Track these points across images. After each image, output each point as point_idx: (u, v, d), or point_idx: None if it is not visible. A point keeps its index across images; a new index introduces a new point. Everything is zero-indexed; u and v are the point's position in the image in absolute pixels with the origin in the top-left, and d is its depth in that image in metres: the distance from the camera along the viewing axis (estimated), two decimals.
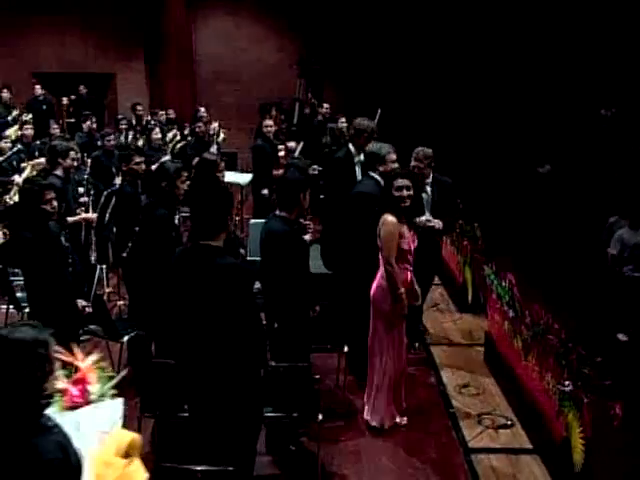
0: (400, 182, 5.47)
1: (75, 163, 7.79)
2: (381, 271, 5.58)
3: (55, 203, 5.44)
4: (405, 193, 5.47)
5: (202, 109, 13.53)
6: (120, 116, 13.45)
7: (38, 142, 10.92)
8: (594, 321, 5.06)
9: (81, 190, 8.24)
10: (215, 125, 12.63)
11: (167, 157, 10.54)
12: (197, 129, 11.69)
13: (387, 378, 5.68)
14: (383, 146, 6.42)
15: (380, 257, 5.58)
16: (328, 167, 7.45)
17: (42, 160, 9.29)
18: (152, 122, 12.87)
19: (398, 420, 5.80)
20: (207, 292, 4.15)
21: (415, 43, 13.46)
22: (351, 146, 7.16)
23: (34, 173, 8.83)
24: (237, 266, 4.27)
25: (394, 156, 6.35)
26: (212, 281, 4.13)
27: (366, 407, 5.86)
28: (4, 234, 7.47)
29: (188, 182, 6.21)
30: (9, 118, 12.53)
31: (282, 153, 10.18)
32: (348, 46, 15.29)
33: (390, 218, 5.46)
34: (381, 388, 5.71)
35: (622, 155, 5.62)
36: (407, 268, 5.62)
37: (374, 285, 5.66)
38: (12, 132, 11.12)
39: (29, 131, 10.77)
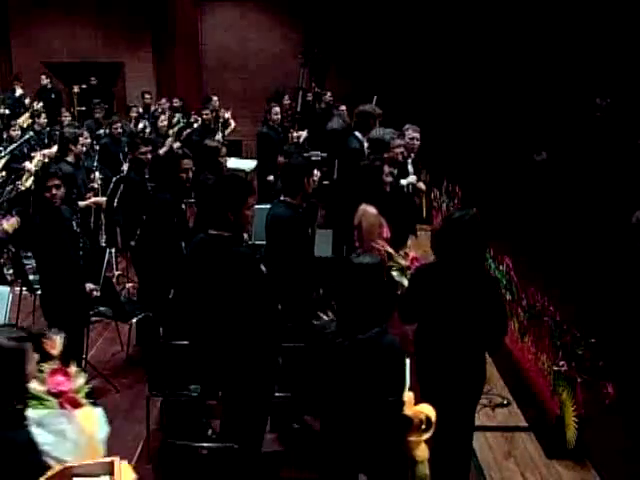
0: (388, 169, 5.60)
1: (84, 149, 7.95)
2: None
3: (55, 191, 5.41)
4: (391, 179, 5.61)
5: (215, 98, 13.61)
6: (131, 104, 13.59)
7: (48, 129, 11.10)
8: (589, 304, 5.18)
9: (96, 176, 8.42)
10: (227, 115, 12.71)
11: (176, 144, 10.69)
12: (204, 116, 11.77)
13: None
14: (386, 132, 6.55)
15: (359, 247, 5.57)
16: (343, 157, 7.50)
17: (52, 150, 9.47)
18: (159, 110, 12.97)
19: None
20: (224, 281, 4.31)
21: (415, 31, 13.50)
22: (358, 133, 7.20)
23: (46, 160, 8.99)
24: (252, 255, 4.48)
25: (398, 141, 6.49)
26: (229, 270, 4.29)
27: None
28: (17, 221, 7.60)
29: (193, 168, 6.36)
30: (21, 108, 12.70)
31: (290, 141, 10.30)
32: (351, 35, 15.32)
33: (371, 210, 5.48)
34: None
35: (617, 144, 5.72)
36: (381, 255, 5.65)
37: None
38: (23, 120, 11.29)
39: (42, 119, 10.99)
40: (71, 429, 3.08)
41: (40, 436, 2.95)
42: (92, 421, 3.19)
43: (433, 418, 3.74)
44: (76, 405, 3.22)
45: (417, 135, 7.33)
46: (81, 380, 3.31)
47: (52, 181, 5.42)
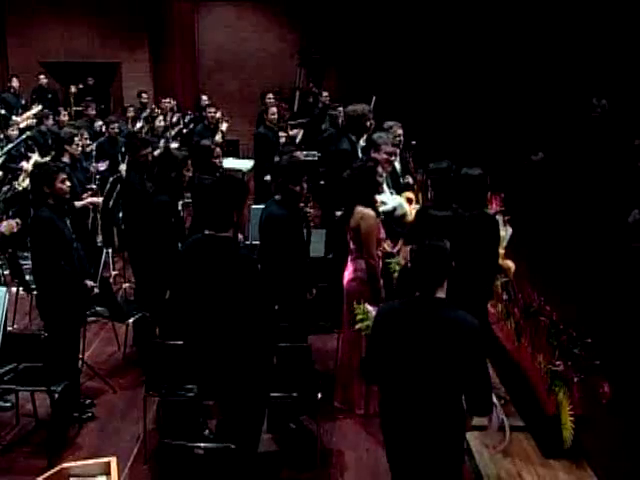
0: (380, 170, 5.59)
1: (80, 149, 7.94)
2: (357, 264, 5.54)
3: (64, 185, 5.44)
4: (382, 180, 5.61)
5: (204, 97, 13.61)
6: (127, 104, 13.57)
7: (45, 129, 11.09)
8: (586, 303, 5.20)
9: (97, 178, 8.41)
10: (218, 115, 12.69)
11: (173, 144, 10.66)
12: (208, 114, 11.70)
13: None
14: (381, 135, 6.56)
15: (352, 248, 5.57)
16: (332, 157, 7.53)
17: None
18: (157, 110, 12.96)
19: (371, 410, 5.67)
20: (224, 281, 4.30)
21: (413, 32, 13.52)
22: (351, 136, 7.13)
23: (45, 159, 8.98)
24: (252, 257, 4.48)
25: (389, 148, 6.50)
26: (230, 271, 4.28)
27: (338, 392, 5.83)
28: (17, 223, 7.57)
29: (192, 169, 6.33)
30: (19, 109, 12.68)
31: (283, 140, 10.29)
32: (348, 35, 15.32)
33: (370, 212, 5.43)
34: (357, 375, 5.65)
35: (614, 144, 5.73)
36: (379, 256, 5.60)
37: (349, 277, 5.61)
38: (22, 119, 11.28)
39: (49, 121, 11.01)
40: None
41: None
42: None
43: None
44: None
45: (401, 132, 7.37)
46: None
47: (61, 176, 5.45)
